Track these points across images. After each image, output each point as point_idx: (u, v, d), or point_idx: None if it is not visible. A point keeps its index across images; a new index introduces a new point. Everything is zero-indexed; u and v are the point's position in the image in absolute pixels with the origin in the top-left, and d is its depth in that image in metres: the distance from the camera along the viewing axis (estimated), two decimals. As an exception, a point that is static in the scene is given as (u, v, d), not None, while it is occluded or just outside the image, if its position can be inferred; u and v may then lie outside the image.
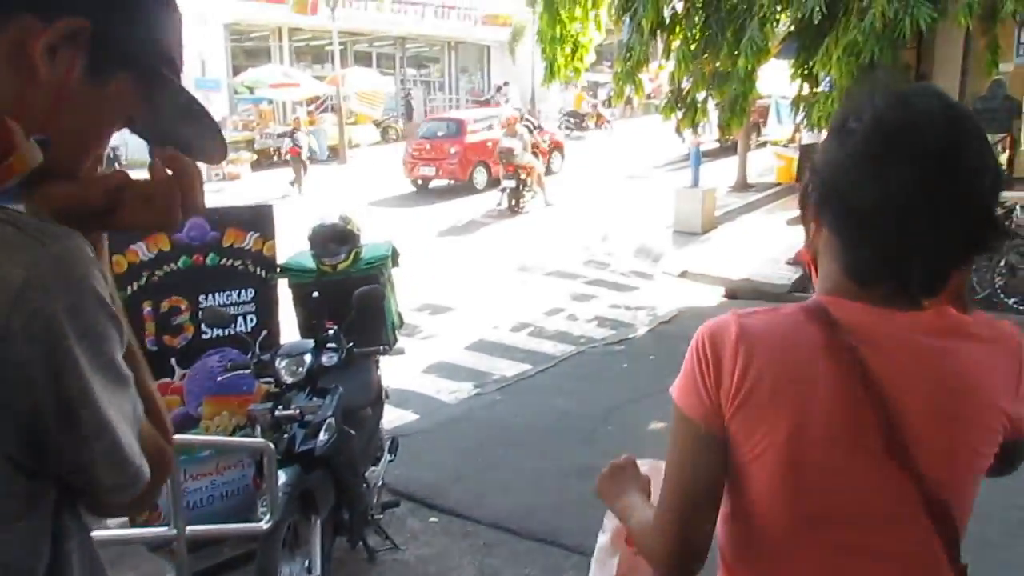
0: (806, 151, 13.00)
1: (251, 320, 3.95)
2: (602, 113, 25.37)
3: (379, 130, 24.47)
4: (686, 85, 8.56)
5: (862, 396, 0.95)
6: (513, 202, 13.92)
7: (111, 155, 15.74)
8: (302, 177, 16.41)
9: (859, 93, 1.01)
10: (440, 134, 16.52)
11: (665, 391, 1.09)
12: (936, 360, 0.97)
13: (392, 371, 4.62)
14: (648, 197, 13.62)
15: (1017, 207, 7.28)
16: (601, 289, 9.20)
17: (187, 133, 0.92)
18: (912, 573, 1.01)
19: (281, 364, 3.40)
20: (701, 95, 8.50)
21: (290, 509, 3.07)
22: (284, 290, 4.14)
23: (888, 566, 1.00)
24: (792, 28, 8.00)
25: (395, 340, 4.19)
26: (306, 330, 4.03)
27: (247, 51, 24.52)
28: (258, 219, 3.98)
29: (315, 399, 3.35)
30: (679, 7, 8.30)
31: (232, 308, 3.87)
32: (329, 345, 3.50)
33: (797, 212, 1.12)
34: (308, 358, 3.42)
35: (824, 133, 1.07)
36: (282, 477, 3.08)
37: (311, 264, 4.03)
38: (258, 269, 3.95)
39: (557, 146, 18.59)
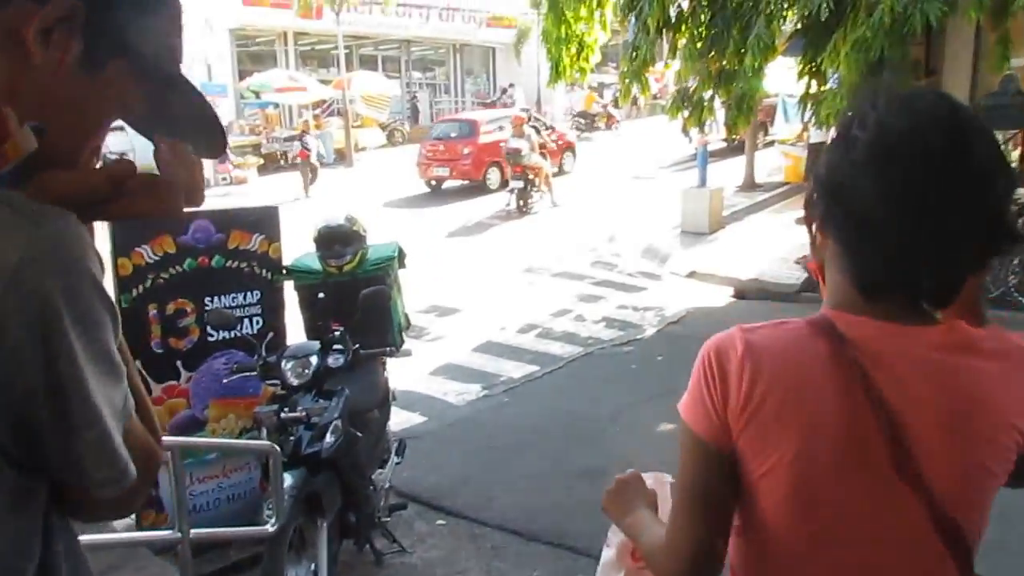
0: (814, 149, 12.94)
1: (257, 322, 3.93)
2: (612, 114, 25.36)
3: (385, 133, 24.52)
4: (692, 84, 8.53)
5: (869, 414, 0.93)
6: (521, 203, 13.94)
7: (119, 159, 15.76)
8: (312, 180, 16.45)
9: (862, 99, 0.98)
10: (453, 135, 16.70)
11: (674, 392, 1.07)
12: (946, 377, 0.95)
13: (400, 373, 4.60)
14: (655, 197, 13.59)
15: (1031, 205, 7.21)
16: (609, 290, 9.17)
17: (186, 124, 0.90)
18: None
19: (287, 366, 3.39)
20: (707, 94, 8.46)
21: (296, 512, 3.05)
22: (291, 292, 4.13)
23: None
24: (799, 25, 7.95)
25: (402, 342, 4.16)
26: (312, 332, 4.01)
27: (253, 56, 24.61)
28: (264, 221, 3.97)
29: (321, 401, 3.33)
30: (685, 5, 8.26)
31: (238, 310, 3.85)
32: (335, 347, 3.48)
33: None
34: (314, 360, 3.40)
35: (832, 131, 1.04)
36: (288, 480, 3.05)
37: (317, 265, 4.01)
38: (264, 271, 3.94)
39: (569, 146, 18.66)
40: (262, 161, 19.80)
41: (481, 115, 18.42)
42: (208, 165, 18.10)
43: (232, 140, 19.25)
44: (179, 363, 3.75)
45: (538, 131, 15.74)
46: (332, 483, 3.29)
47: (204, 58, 19.24)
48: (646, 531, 1.15)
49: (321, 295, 4.02)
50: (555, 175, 16.34)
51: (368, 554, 3.74)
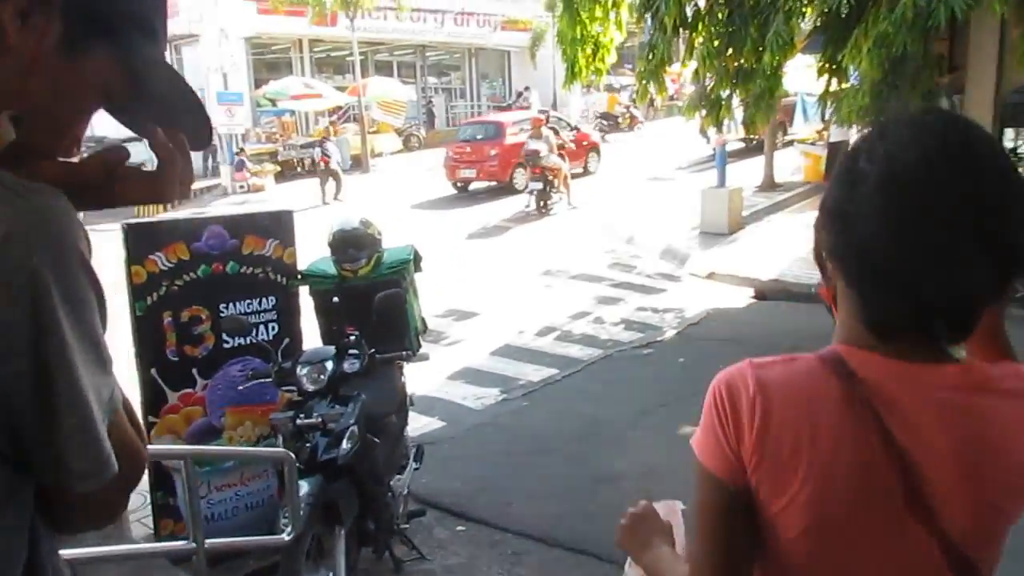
0: (834, 148, 12.80)
1: (273, 328, 3.90)
2: (635, 115, 25.33)
3: (401, 138, 24.57)
4: (709, 83, 8.44)
5: (882, 454, 0.93)
6: (541, 204, 13.97)
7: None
8: (335, 186, 16.49)
9: (870, 129, 0.97)
10: (480, 137, 16.90)
11: (696, 394, 1.06)
12: (959, 418, 0.93)
13: (417, 377, 4.56)
14: (673, 198, 13.51)
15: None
16: (628, 292, 9.09)
17: (171, 112, 0.86)
18: None
19: (302, 372, 3.35)
20: (725, 93, 8.37)
21: (313, 520, 3.01)
22: (306, 297, 4.09)
23: None
24: (818, 22, 7.85)
25: (419, 346, 4.11)
26: (328, 337, 3.97)
27: (268, 64, 24.78)
28: (277, 226, 3.94)
29: (337, 407, 3.29)
30: (702, 3, 8.18)
31: (253, 316, 3.82)
32: (351, 352, 3.44)
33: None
34: (329, 365, 3.37)
35: (854, 130, 0.99)
36: (304, 487, 3.01)
37: (332, 270, 3.97)
38: (278, 276, 3.91)
39: (594, 147, 18.70)
40: (279, 169, 19.90)
41: (507, 117, 18.56)
42: (225, 173, 18.23)
43: (249, 148, 19.37)
44: (195, 370, 3.73)
45: (556, 132, 15.78)
46: (349, 490, 3.24)
47: (220, 67, 19.36)
48: (668, 572, 1.15)
49: (336, 300, 3.98)
50: (580, 175, 16.33)
51: (387, 562, 3.70)
